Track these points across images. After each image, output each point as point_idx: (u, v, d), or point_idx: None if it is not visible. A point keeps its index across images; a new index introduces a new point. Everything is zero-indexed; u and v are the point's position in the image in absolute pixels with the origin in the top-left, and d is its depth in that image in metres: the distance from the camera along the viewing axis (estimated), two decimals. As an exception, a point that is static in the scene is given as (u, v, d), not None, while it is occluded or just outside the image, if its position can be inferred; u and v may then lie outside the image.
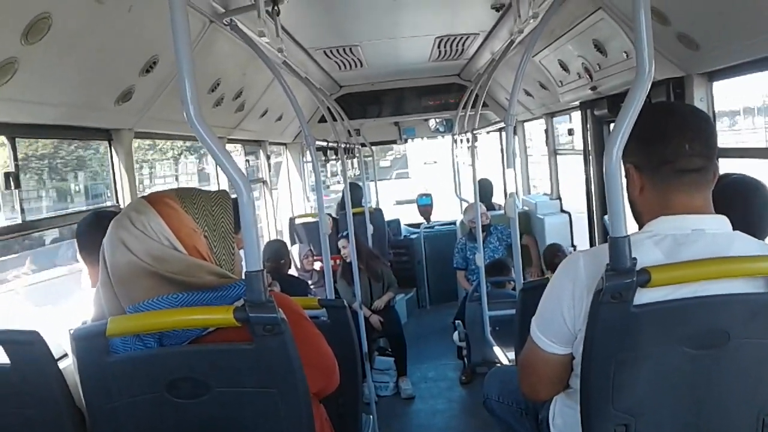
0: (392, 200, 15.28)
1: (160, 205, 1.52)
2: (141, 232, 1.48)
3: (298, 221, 6.85)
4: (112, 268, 1.48)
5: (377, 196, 8.69)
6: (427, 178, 19.93)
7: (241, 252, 1.67)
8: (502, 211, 6.69)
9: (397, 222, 8.48)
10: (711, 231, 1.46)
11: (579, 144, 5.23)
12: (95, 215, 2.30)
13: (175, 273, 1.46)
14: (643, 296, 1.36)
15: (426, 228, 8.30)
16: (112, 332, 1.39)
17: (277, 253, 5.25)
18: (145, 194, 1.60)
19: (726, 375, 1.42)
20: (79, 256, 2.28)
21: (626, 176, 1.57)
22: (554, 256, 5.29)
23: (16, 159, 2.66)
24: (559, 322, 1.53)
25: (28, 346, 1.52)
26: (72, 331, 1.45)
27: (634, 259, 1.33)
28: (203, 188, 1.67)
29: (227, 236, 1.57)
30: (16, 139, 2.66)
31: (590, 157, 4.95)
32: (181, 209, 1.52)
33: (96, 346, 1.42)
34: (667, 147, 1.49)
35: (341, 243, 5.51)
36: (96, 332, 1.40)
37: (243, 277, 1.51)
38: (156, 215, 1.50)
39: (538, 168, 7.13)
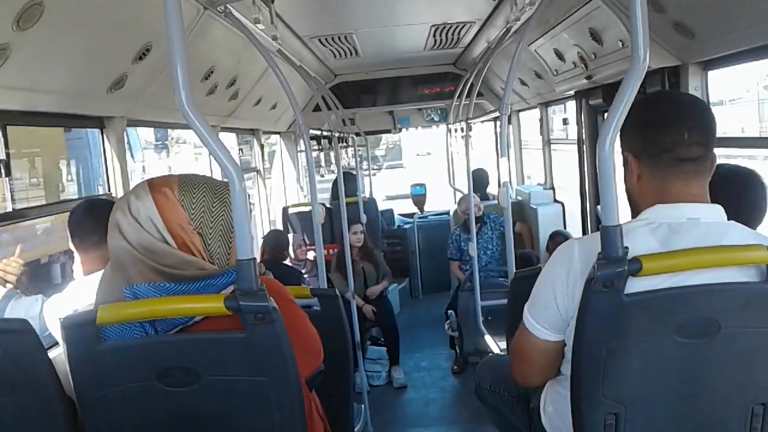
0: (383, 195, 14.85)
1: (158, 194, 1.49)
2: (134, 220, 1.47)
3: (291, 211, 6.83)
4: (111, 249, 1.49)
5: (371, 186, 8.66)
6: (422, 169, 19.85)
7: None
8: (496, 201, 6.69)
9: (390, 212, 8.46)
10: (706, 220, 1.46)
11: (573, 134, 5.21)
12: (88, 203, 2.32)
13: (167, 266, 1.45)
14: (636, 285, 1.35)
15: (419, 218, 8.29)
16: (103, 320, 1.39)
17: (279, 242, 5.28)
18: (151, 177, 1.58)
19: (717, 364, 1.42)
20: (71, 244, 2.27)
21: (624, 165, 1.57)
22: (555, 243, 5.23)
23: (7, 147, 2.64)
24: (553, 309, 1.53)
25: (16, 334, 1.51)
26: (62, 320, 1.44)
27: (626, 248, 1.32)
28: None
29: (225, 232, 1.53)
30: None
31: (584, 146, 4.95)
32: (178, 203, 1.49)
33: (86, 334, 1.41)
34: (665, 135, 1.49)
35: (354, 228, 5.46)
36: (86, 320, 1.40)
37: None
38: (152, 204, 1.48)
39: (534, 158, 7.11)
